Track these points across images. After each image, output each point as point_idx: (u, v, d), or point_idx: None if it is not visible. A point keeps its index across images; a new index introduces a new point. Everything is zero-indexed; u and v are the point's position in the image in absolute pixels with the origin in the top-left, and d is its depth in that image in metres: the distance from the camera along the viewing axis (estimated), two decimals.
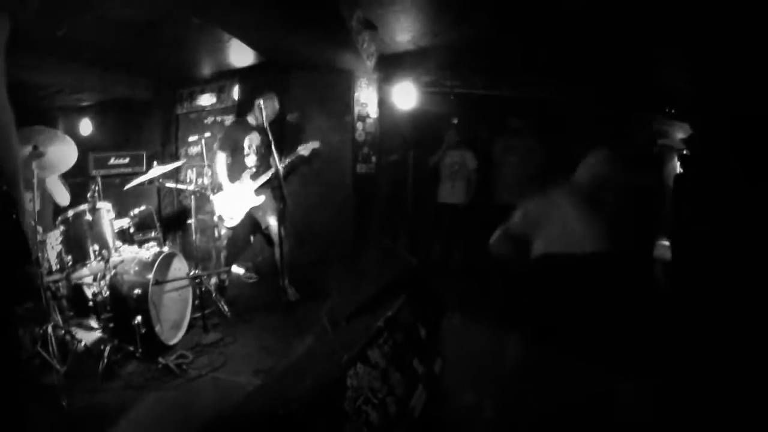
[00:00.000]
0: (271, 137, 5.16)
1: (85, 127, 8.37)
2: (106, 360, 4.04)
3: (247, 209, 5.83)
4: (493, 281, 6.22)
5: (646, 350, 3.42)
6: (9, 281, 2.31)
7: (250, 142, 5.91)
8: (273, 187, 5.82)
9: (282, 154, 5.53)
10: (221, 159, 5.87)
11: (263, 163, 5.95)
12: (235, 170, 5.88)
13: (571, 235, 3.34)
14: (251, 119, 5.98)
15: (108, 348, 4.12)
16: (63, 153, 4.24)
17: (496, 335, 4.25)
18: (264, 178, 5.81)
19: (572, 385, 3.15)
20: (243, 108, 6.77)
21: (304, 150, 5.86)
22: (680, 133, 8.31)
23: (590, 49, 5.97)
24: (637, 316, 3.33)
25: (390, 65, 6.98)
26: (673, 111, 7.99)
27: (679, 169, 7.38)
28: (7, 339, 2.29)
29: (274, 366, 4.22)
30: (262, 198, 5.84)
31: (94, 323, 4.75)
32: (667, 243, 6.14)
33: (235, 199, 5.80)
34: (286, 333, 4.90)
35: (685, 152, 7.33)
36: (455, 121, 8.04)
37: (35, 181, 3.93)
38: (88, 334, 4.58)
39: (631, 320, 3.22)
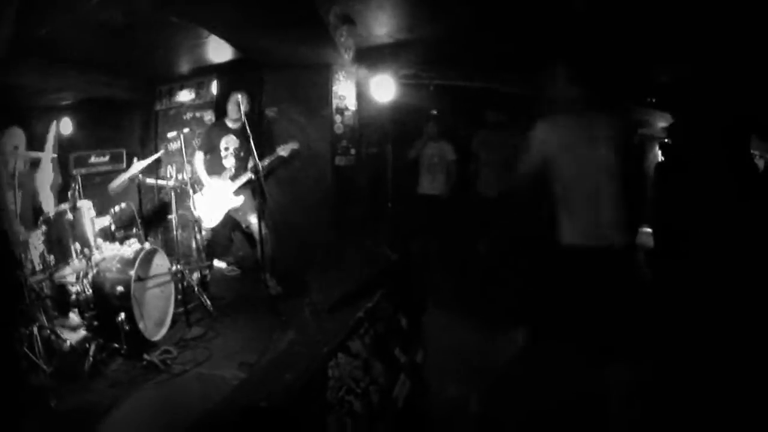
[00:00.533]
0: (250, 136, 5.18)
1: (65, 126, 8.29)
2: (91, 359, 4.04)
3: (226, 211, 5.89)
4: (474, 273, 6.29)
5: (633, 342, 3.47)
6: (4, 287, 2.32)
7: (227, 144, 5.99)
8: (253, 186, 5.86)
9: (260, 152, 5.53)
10: (199, 159, 5.96)
11: (242, 165, 6.01)
12: (213, 171, 5.95)
13: (601, 225, 3.26)
14: (228, 122, 6.05)
15: (93, 347, 4.13)
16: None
17: (479, 328, 4.32)
18: (243, 179, 5.86)
19: (561, 380, 3.18)
20: (221, 104, 6.77)
21: (283, 151, 5.90)
22: (661, 122, 8.39)
23: (567, 41, 6.02)
24: (624, 308, 3.36)
25: (368, 58, 6.96)
26: (654, 101, 8.06)
27: (660, 158, 7.46)
28: (7, 342, 2.31)
29: (258, 359, 4.25)
30: (241, 199, 5.90)
31: (78, 322, 4.75)
32: (649, 230, 6.20)
33: (214, 201, 5.86)
34: (268, 326, 4.93)
35: (666, 141, 7.40)
36: (434, 113, 8.07)
37: (16, 182, 3.94)
38: (73, 334, 4.57)
39: (618, 311, 3.25)
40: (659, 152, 7.75)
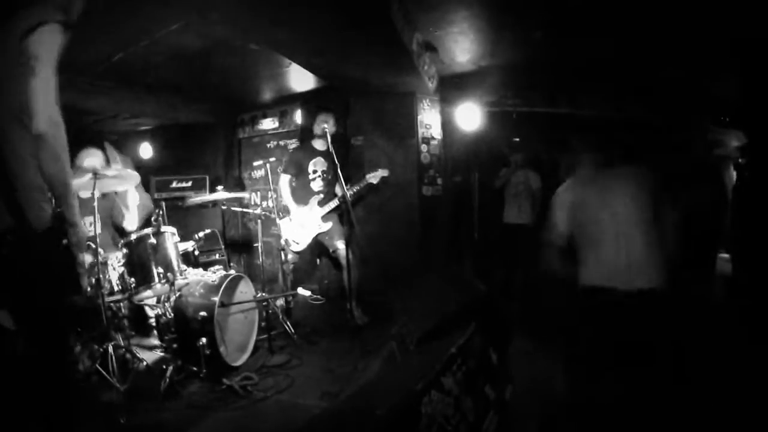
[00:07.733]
0: (337, 164, 5.13)
1: (145, 150, 8.46)
2: (168, 380, 4.04)
3: (314, 235, 5.84)
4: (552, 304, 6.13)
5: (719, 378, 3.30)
6: (55, 312, 2.27)
7: (315, 166, 5.94)
8: (340, 211, 5.81)
9: (347, 178, 5.48)
10: (285, 181, 5.91)
11: (330, 189, 5.96)
12: (301, 194, 5.91)
13: (625, 270, 3.17)
14: (315, 144, 5.99)
15: (171, 368, 4.12)
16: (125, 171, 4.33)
17: (560, 363, 4.13)
18: (332, 205, 5.81)
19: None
20: (306, 132, 6.80)
21: (373, 178, 5.81)
22: (735, 142, 8.10)
23: (644, 63, 5.89)
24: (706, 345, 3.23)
25: (451, 86, 6.98)
26: (727, 119, 7.82)
27: (736, 179, 7.19)
28: (60, 367, 2.26)
29: (341, 389, 4.15)
30: (329, 224, 5.84)
31: (156, 343, 4.79)
32: (726, 256, 5.89)
33: (302, 224, 5.82)
34: (353, 356, 4.83)
35: (740, 161, 7.16)
36: (517, 140, 7.98)
37: (96, 204, 3.97)
38: (150, 354, 4.60)
39: (700, 349, 3.13)
40: (734, 174, 7.45)
